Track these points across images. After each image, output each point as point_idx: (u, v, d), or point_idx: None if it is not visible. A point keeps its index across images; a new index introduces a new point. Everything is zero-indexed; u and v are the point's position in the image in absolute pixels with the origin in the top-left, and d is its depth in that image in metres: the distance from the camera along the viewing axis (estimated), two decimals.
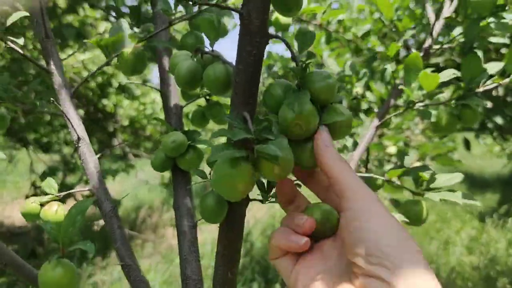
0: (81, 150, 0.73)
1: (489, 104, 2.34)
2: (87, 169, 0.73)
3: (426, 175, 0.80)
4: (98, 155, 0.74)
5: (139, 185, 6.29)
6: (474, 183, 6.46)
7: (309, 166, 0.47)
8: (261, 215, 4.82)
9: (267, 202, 0.56)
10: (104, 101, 4.73)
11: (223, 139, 1.05)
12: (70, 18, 2.89)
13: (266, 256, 3.51)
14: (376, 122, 0.91)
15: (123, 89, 4.81)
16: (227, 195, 0.44)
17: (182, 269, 0.76)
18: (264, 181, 0.57)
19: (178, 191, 0.80)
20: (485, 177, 7.00)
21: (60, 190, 0.72)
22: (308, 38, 0.49)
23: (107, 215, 0.72)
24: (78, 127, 0.73)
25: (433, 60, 1.72)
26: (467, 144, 2.30)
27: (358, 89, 1.03)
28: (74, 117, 0.74)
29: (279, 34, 1.01)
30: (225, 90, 0.53)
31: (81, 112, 4.80)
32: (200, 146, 0.75)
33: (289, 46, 0.48)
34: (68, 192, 0.74)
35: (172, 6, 0.70)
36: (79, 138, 0.72)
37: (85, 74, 4.02)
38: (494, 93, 2.42)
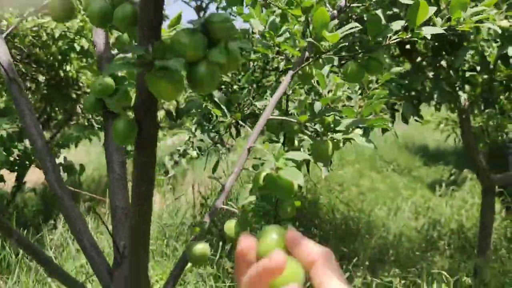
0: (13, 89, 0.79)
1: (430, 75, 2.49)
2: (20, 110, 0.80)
3: (329, 118, 0.91)
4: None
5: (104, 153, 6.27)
6: (429, 156, 6.76)
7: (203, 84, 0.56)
8: None
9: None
10: (66, 67, 4.65)
11: None
12: None
13: None
14: (291, 72, 1.00)
15: (86, 54, 4.74)
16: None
17: (111, 201, 0.85)
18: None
19: (108, 131, 0.88)
20: (440, 150, 7.34)
21: None
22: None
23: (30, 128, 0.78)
24: (10, 71, 0.80)
25: None
26: (404, 118, 2.45)
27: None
28: (5, 59, 0.80)
29: None
30: (133, 27, 0.61)
31: (42, 78, 4.73)
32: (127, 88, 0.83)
33: None
34: None
35: None
36: (10, 79, 0.79)
37: (45, 37, 3.96)
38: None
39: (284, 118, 0.98)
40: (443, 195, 4.64)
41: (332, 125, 0.94)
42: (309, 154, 0.99)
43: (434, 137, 8.52)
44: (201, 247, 0.84)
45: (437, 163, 6.29)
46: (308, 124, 0.97)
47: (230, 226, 0.91)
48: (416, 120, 2.33)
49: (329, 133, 0.94)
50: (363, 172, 5.71)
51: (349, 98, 2.25)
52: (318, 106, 0.98)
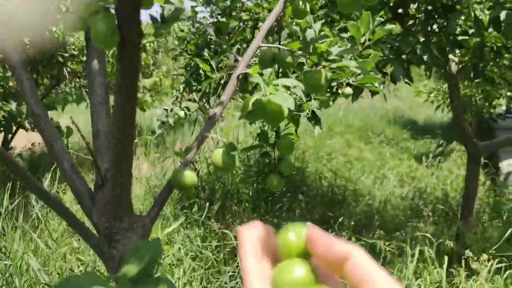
0: None
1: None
2: None
3: (323, 46, 0.90)
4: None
5: None
6: (417, 130, 6.81)
7: None
8: None
9: None
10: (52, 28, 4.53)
11: None
12: None
13: None
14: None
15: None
16: None
17: (93, 125, 0.83)
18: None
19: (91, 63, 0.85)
20: (429, 124, 7.40)
21: None
22: None
23: (16, 68, 0.76)
24: None
25: None
26: (392, 78, 2.43)
27: None
28: None
29: None
30: None
31: (27, 39, 4.61)
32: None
33: None
34: None
35: None
36: None
37: None
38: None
39: (275, 45, 0.95)
40: (429, 166, 4.70)
41: (325, 55, 0.92)
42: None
43: (423, 112, 8.58)
44: (190, 174, 0.83)
45: (424, 135, 6.35)
46: (300, 52, 0.94)
47: (217, 154, 0.89)
48: (406, 82, 2.32)
49: (322, 63, 0.92)
50: (352, 142, 5.74)
51: (340, 57, 2.22)
52: (310, 33, 0.96)
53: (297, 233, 0.37)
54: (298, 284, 0.33)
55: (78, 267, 2.44)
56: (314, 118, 1.89)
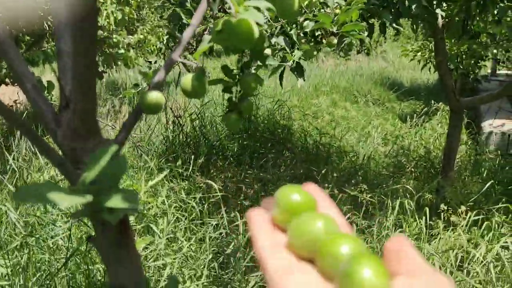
0: None
1: None
2: None
3: None
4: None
5: None
6: (403, 92, 6.82)
7: None
8: None
9: None
10: None
11: None
12: None
13: None
14: None
15: None
16: None
17: (56, 45, 0.79)
18: None
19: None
20: (415, 86, 7.42)
21: None
22: None
23: None
24: None
25: None
26: (381, 28, 2.40)
27: None
28: None
29: None
30: None
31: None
32: None
33: None
34: None
35: None
36: None
37: None
38: None
39: None
40: (414, 125, 4.74)
41: None
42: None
43: (409, 74, 8.58)
44: (156, 95, 0.80)
45: (409, 97, 6.37)
46: None
47: (186, 79, 0.87)
48: (395, 28, 2.29)
49: None
50: (338, 102, 5.74)
51: (324, 5, 2.18)
52: None
53: (299, 192, 0.34)
54: (320, 233, 0.31)
55: (62, 218, 2.44)
56: (298, 70, 1.87)
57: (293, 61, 2.02)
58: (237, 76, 1.06)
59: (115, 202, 0.51)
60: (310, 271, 0.30)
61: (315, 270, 0.31)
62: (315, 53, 2.23)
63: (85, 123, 0.72)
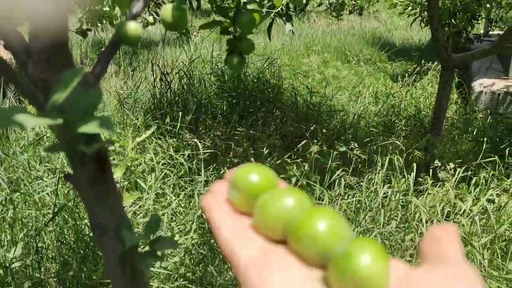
0: None
1: None
2: None
3: None
4: None
5: None
6: (395, 52, 6.75)
7: None
8: None
9: None
10: None
11: None
12: None
13: None
14: None
15: None
16: None
17: None
18: None
19: None
20: (406, 46, 7.34)
21: None
22: None
23: None
24: None
25: None
26: None
27: None
28: None
29: None
30: None
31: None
32: None
33: None
34: None
35: None
36: None
37: None
38: None
39: None
40: (405, 85, 4.71)
41: None
42: None
43: (401, 34, 8.47)
44: (135, 26, 0.75)
45: (401, 57, 6.31)
46: None
47: (166, 9, 0.81)
48: None
49: None
50: (329, 62, 5.66)
51: None
52: None
53: (258, 171, 0.30)
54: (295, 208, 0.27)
55: (48, 175, 2.41)
56: (286, 15, 1.81)
57: (281, 8, 1.96)
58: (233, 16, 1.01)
59: (90, 127, 0.47)
60: (289, 261, 0.26)
61: (292, 256, 0.26)
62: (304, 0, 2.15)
63: (57, 54, 0.67)
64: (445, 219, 2.14)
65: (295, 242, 0.26)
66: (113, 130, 0.46)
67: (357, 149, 2.74)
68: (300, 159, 2.49)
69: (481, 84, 4.50)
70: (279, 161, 2.63)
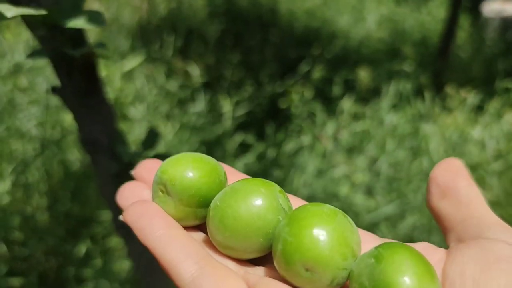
0: None
1: None
2: None
3: None
4: None
5: None
6: None
7: None
8: None
9: None
10: None
11: None
12: None
13: None
14: None
15: None
16: None
17: None
18: None
19: None
20: None
21: None
22: None
23: None
24: None
25: None
26: None
27: None
28: None
29: None
30: None
31: None
32: None
33: None
34: None
35: None
36: None
37: None
38: None
39: None
40: (411, 10, 4.44)
41: None
42: None
43: None
44: None
45: None
46: None
47: None
48: None
49: None
50: None
51: None
52: None
53: (198, 166, 0.24)
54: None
55: (33, 105, 2.23)
56: None
57: None
58: None
59: (79, 22, 0.39)
60: None
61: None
62: None
63: None
64: (454, 147, 2.03)
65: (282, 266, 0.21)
66: (105, 26, 0.37)
67: (361, 73, 2.58)
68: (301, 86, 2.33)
69: (492, 10, 4.25)
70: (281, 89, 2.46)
